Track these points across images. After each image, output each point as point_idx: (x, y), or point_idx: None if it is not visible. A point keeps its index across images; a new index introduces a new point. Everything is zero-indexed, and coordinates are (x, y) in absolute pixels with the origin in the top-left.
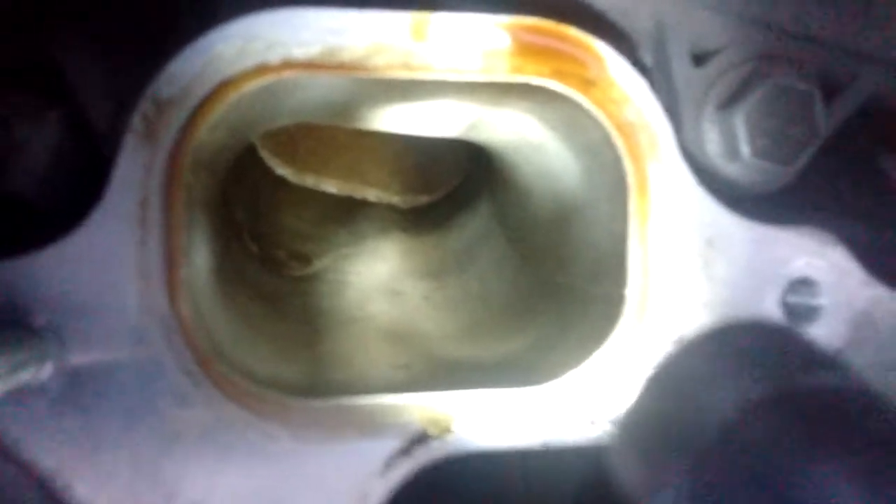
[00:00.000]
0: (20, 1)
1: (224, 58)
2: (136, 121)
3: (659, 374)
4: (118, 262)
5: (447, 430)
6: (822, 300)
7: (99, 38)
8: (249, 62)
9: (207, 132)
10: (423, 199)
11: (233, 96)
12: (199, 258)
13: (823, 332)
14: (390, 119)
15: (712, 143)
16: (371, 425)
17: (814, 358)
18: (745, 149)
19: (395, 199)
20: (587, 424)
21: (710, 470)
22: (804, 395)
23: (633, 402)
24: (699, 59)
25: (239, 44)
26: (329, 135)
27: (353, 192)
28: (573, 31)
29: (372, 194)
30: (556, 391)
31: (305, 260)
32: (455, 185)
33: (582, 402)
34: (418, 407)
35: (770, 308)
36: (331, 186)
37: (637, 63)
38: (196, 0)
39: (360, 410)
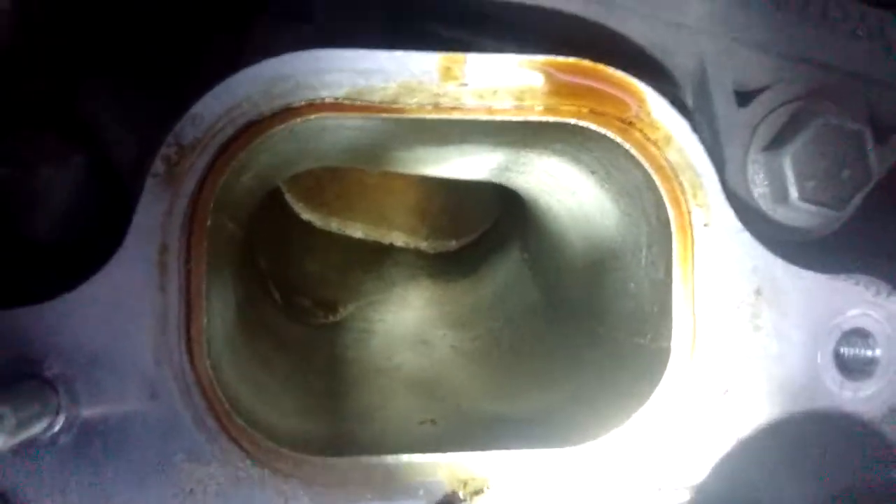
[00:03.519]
0: (44, 44)
1: (250, 100)
2: (158, 164)
3: (727, 461)
4: (134, 311)
5: (478, 492)
6: (877, 352)
7: (123, 82)
8: (275, 104)
9: (231, 176)
10: (452, 244)
11: (258, 139)
12: (220, 306)
13: (878, 387)
14: (419, 161)
15: (758, 186)
16: (396, 486)
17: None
18: (793, 192)
19: (423, 244)
20: (633, 487)
21: None
22: (883, 490)
23: (698, 488)
24: (743, 97)
25: (265, 86)
26: (356, 178)
27: (380, 237)
28: (611, 70)
29: (399, 239)
30: (597, 452)
31: (331, 307)
32: (485, 230)
33: (625, 464)
34: (447, 466)
35: (823, 361)
36: (357, 231)
37: (678, 102)
38: (221, 42)
39: (384, 469)
